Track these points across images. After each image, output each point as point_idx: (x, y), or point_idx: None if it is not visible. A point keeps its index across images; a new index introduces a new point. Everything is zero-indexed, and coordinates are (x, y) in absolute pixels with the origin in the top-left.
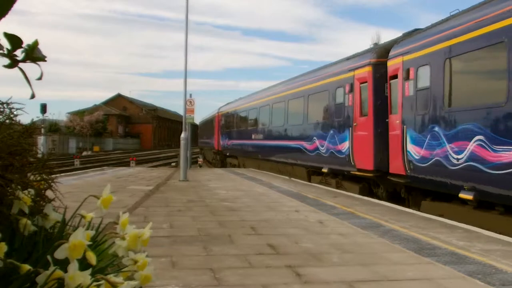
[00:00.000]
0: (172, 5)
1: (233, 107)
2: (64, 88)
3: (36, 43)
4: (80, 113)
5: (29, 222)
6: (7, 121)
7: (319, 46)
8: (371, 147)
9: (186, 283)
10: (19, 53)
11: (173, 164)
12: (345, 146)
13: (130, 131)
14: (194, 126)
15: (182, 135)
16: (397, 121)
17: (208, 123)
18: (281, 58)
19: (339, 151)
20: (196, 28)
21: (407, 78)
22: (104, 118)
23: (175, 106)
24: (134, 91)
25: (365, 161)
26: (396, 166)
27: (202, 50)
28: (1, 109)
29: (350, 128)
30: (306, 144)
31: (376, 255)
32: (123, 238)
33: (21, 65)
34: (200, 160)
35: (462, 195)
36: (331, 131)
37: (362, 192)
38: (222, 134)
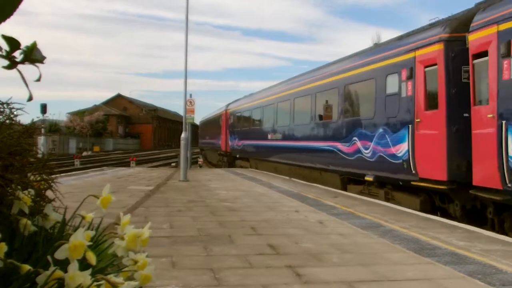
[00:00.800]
0: (172, 5)
1: (244, 104)
2: (64, 88)
3: (34, 45)
4: (80, 113)
5: (29, 222)
6: (7, 121)
7: (319, 46)
8: (443, 150)
9: (186, 283)
10: (18, 55)
11: (173, 164)
12: (402, 148)
13: (130, 131)
14: (194, 126)
15: (182, 135)
16: (489, 115)
17: (212, 122)
18: (281, 58)
19: (393, 155)
20: (196, 28)
21: (507, 54)
22: (104, 118)
23: (175, 106)
24: (134, 91)
25: (433, 169)
26: (486, 176)
27: (202, 50)
28: (1, 109)
29: (410, 126)
30: (342, 146)
31: (376, 255)
32: (122, 238)
33: (20, 66)
34: (200, 160)
35: None
36: (380, 130)
37: (423, 208)
38: (231, 134)
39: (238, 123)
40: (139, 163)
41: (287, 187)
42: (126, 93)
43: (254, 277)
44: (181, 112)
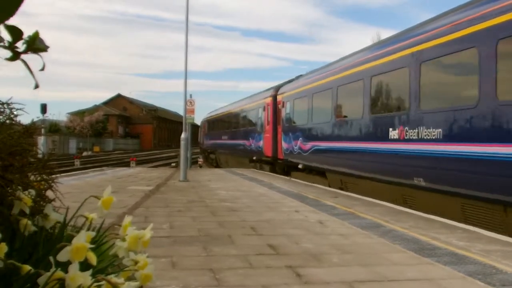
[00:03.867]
0: (172, 5)
1: (318, 81)
2: (64, 88)
3: (36, 34)
4: (80, 114)
5: (29, 222)
6: (8, 121)
7: (319, 47)
8: None
9: (186, 283)
10: (20, 45)
11: (173, 164)
12: None
13: (130, 131)
14: (193, 127)
15: (182, 135)
16: None
17: (237, 117)
18: (281, 58)
19: None
20: (195, 28)
21: None
22: (104, 118)
23: (175, 106)
24: (134, 92)
25: None
26: None
27: (201, 51)
28: (2, 109)
29: None
30: None
31: (376, 255)
32: (123, 240)
33: (23, 57)
34: (200, 160)
35: None
36: None
37: None
38: (288, 132)
39: (303, 114)
40: (139, 163)
41: (287, 187)
42: (126, 93)
43: (254, 277)
44: (181, 112)
